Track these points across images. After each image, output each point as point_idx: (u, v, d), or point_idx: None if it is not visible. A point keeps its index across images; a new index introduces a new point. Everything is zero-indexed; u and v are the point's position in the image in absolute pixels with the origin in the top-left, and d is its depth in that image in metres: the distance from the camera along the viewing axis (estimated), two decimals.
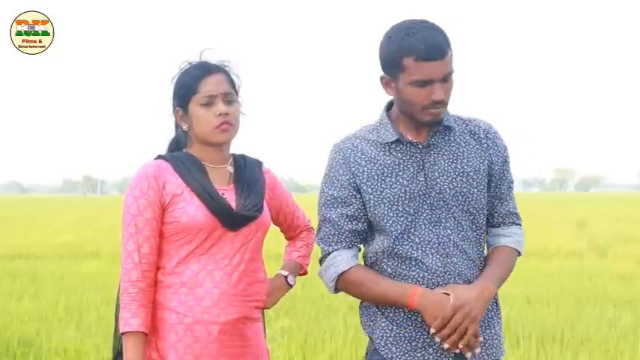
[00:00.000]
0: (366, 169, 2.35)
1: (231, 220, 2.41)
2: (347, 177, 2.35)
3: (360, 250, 2.45)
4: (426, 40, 2.22)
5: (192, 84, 2.44)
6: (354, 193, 2.35)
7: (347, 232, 2.37)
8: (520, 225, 2.54)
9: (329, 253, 2.40)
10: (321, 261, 2.44)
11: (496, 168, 2.43)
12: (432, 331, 2.24)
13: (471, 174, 2.37)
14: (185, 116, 2.47)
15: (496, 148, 2.44)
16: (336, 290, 2.42)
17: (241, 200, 2.45)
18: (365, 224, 2.38)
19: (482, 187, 2.38)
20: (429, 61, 2.22)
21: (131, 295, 2.33)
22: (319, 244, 2.43)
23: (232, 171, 2.52)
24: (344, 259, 2.37)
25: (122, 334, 2.33)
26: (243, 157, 2.58)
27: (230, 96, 2.45)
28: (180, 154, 2.48)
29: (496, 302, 2.45)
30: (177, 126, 2.53)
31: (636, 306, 8.44)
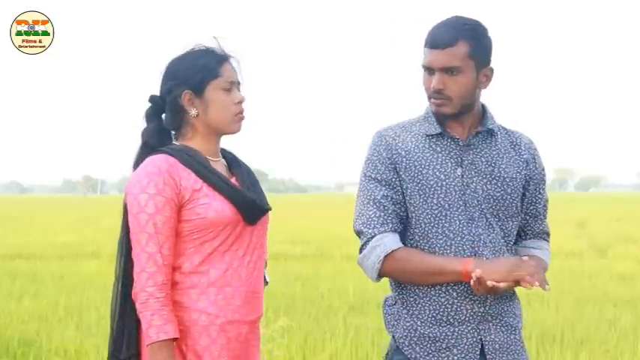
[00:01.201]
0: (405, 158, 2.35)
1: (253, 213, 2.32)
2: (390, 161, 2.35)
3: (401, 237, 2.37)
4: (437, 30, 2.31)
5: (213, 67, 2.30)
6: (397, 176, 2.34)
7: (392, 215, 2.32)
8: (549, 242, 2.55)
9: (373, 236, 2.31)
10: (363, 247, 2.35)
11: (532, 184, 2.44)
12: (491, 284, 2.15)
13: (507, 180, 2.38)
14: (196, 100, 2.31)
15: (535, 164, 2.46)
16: (379, 276, 2.33)
17: (251, 193, 2.36)
18: (406, 211, 2.34)
19: (515, 195, 2.39)
20: (431, 49, 2.31)
21: (160, 301, 2.18)
22: (362, 229, 2.34)
23: (225, 163, 2.42)
24: (391, 240, 2.30)
25: (153, 343, 2.17)
26: (224, 149, 2.47)
27: (239, 86, 2.38)
28: (179, 148, 2.31)
29: (519, 309, 2.45)
30: (149, 117, 2.36)
31: (636, 306, 8.44)
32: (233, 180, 2.39)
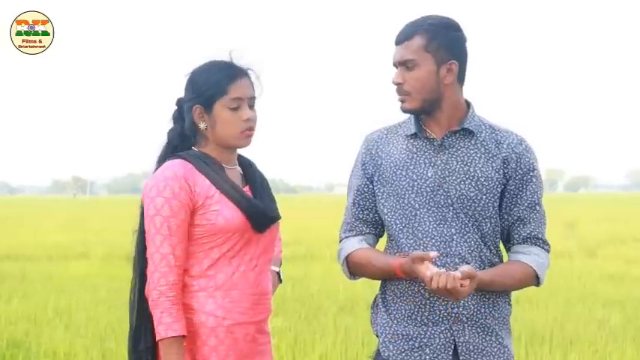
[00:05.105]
0: (383, 161, 2.40)
1: (262, 222, 2.39)
2: (364, 166, 2.44)
3: (373, 237, 2.46)
4: (401, 28, 2.37)
5: (222, 85, 2.37)
6: (368, 182, 2.42)
7: (356, 221, 2.44)
8: (545, 250, 2.42)
9: (341, 240, 2.47)
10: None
11: (512, 184, 2.34)
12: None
13: (482, 180, 2.32)
14: (206, 115, 2.39)
15: (518, 163, 2.34)
16: (353, 275, 2.46)
17: (261, 202, 2.43)
18: (376, 215, 2.43)
19: (491, 195, 2.32)
20: (395, 45, 2.37)
21: (171, 299, 2.28)
22: (339, 233, 2.51)
23: (241, 171, 2.49)
24: (351, 243, 2.43)
25: (162, 339, 2.27)
26: (241, 156, 2.53)
27: (253, 100, 2.42)
28: (197, 154, 2.40)
29: (503, 312, 2.39)
30: (176, 121, 2.46)
31: (625, 306, 8.47)
32: (246, 188, 2.45)
